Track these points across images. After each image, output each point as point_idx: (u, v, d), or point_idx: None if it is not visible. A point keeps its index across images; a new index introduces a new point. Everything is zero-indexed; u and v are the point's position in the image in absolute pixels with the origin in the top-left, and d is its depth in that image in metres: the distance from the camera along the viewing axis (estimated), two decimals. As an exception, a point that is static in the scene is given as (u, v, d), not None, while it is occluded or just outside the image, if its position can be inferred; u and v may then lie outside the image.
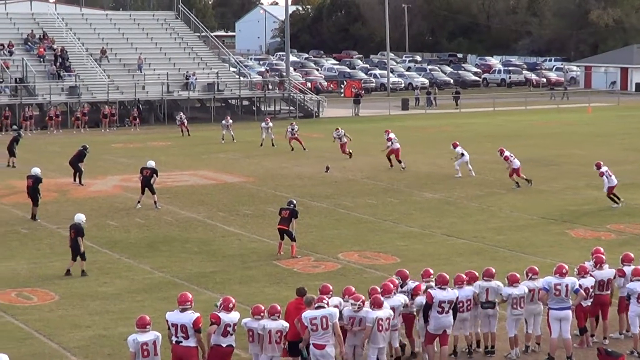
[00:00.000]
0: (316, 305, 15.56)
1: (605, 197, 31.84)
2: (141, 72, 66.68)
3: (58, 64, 64.56)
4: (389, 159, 40.60)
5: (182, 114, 57.65)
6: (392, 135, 41.37)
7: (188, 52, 71.96)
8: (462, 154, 38.18)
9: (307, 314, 15.46)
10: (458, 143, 39.05)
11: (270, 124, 49.72)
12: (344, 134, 44.18)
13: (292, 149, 46.19)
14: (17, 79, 62.41)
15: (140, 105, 64.04)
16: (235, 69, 74.01)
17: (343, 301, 16.31)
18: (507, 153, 36.06)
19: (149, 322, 14.75)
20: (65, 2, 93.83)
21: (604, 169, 31.89)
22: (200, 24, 76.96)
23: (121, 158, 44.31)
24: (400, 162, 40.22)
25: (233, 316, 15.36)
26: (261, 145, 48.05)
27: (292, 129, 47.33)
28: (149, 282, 22.77)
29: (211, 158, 44.91)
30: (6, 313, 20.18)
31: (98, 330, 18.94)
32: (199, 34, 75.89)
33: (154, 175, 31.68)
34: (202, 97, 67.45)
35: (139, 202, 31.87)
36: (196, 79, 66.42)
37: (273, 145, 48.34)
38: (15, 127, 58.70)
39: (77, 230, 23.35)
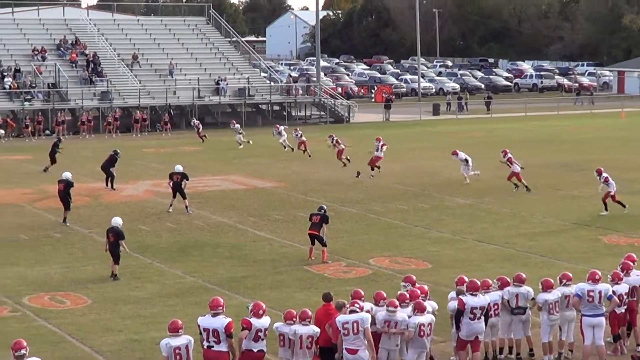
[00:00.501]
0: (349, 309, 15.54)
1: (625, 203, 31.50)
2: (172, 77, 66.97)
3: (90, 69, 64.95)
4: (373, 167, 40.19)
5: (195, 119, 57.90)
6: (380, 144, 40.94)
7: (219, 58, 72.18)
8: (466, 160, 37.92)
9: (340, 318, 15.45)
10: (458, 151, 38.70)
11: (281, 129, 49.74)
12: (337, 141, 43.51)
13: (310, 156, 46.01)
14: (50, 84, 62.84)
15: (172, 110, 64.28)
16: (265, 74, 74.14)
17: (375, 306, 16.28)
18: (510, 155, 36.00)
19: (181, 327, 14.77)
20: (97, 7, 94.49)
21: (605, 175, 31.62)
22: (231, 29, 77.19)
23: (152, 163, 44.49)
24: (373, 169, 39.92)
25: (264, 321, 15.36)
26: (293, 150, 48.01)
27: (297, 135, 47.49)
28: (180, 286, 22.83)
29: (242, 163, 44.97)
30: (39, 317, 20.31)
31: (130, 335, 19.01)
32: (229, 39, 76.11)
33: (184, 179, 31.79)
34: (233, 102, 67.60)
35: (170, 205, 31.99)
36: (227, 84, 66.61)
37: (285, 149, 48.40)
38: (47, 132, 59.13)
39: (116, 234, 23.49)
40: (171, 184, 31.94)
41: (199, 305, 19.72)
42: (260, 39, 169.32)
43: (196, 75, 67.16)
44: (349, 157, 42.88)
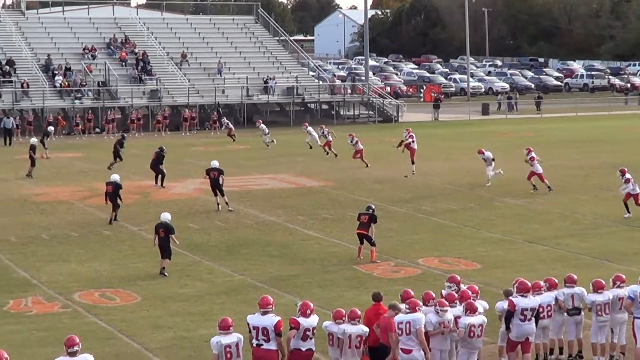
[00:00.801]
0: (408, 310, 15.49)
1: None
2: (221, 76, 67.24)
3: (139, 67, 65.42)
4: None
5: (225, 119, 58.03)
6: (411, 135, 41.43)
7: (267, 56, 72.34)
8: (492, 160, 37.51)
9: (397, 317, 15.42)
10: (484, 150, 38.21)
11: (310, 128, 49.58)
12: (357, 141, 43.18)
13: (336, 155, 45.64)
14: (100, 83, 63.37)
15: (220, 109, 64.52)
16: (314, 73, 74.17)
17: (424, 306, 16.17)
18: (533, 154, 35.62)
19: (231, 324, 14.78)
20: (146, 6, 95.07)
21: (628, 175, 31.17)
22: (280, 28, 77.35)
23: (201, 161, 44.53)
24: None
25: (311, 320, 15.32)
26: (327, 153, 47.37)
27: (324, 132, 47.27)
28: (229, 284, 22.86)
29: (290, 162, 45.03)
30: (90, 313, 20.44)
31: (179, 332, 19.06)
32: (278, 38, 76.26)
33: (221, 175, 31.71)
34: (281, 101, 67.71)
35: (218, 204, 32.04)
36: (275, 82, 66.75)
37: (310, 148, 48.25)
38: (97, 130, 59.63)
39: (166, 229, 23.58)
40: (208, 179, 31.88)
41: (248, 303, 19.71)
42: (309, 38, 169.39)
43: (245, 74, 67.36)
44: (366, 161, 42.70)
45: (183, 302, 21.19)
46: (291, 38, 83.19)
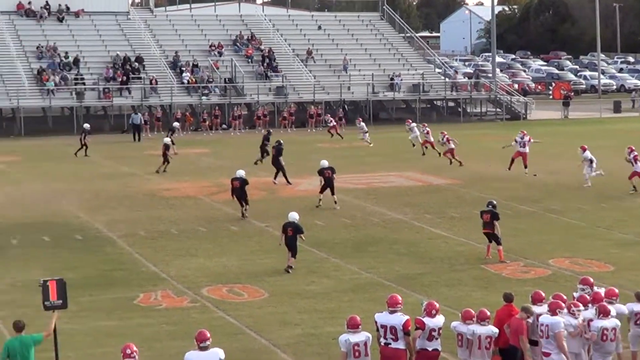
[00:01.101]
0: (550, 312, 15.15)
1: None
2: (346, 72, 67.26)
3: (265, 64, 65.94)
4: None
5: (329, 115, 57.90)
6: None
7: (393, 53, 72.08)
8: (591, 160, 36.28)
9: (541, 319, 15.10)
10: (586, 147, 36.98)
11: (413, 125, 48.95)
12: (447, 139, 42.45)
13: (440, 154, 44.42)
14: (227, 79, 64.08)
15: (346, 106, 64.56)
16: (440, 70, 73.59)
17: (533, 306, 15.76)
18: (635, 153, 34.36)
19: (360, 323, 14.67)
20: (272, 3, 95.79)
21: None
22: (405, 25, 76.95)
23: (327, 158, 44.58)
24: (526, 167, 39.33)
25: (437, 320, 15.13)
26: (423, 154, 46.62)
27: (424, 131, 46.42)
28: (356, 282, 22.74)
29: (415, 159, 44.71)
30: (218, 308, 20.58)
31: (307, 329, 19.02)
32: (403, 35, 75.91)
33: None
34: (407, 98, 67.40)
35: (319, 200, 31.93)
36: (401, 79, 66.47)
37: (414, 146, 47.76)
38: (224, 126, 60.31)
39: (295, 228, 23.65)
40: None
41: (375, 302, 19.56)
42: (434, 34, 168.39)
43: (370, 70, 67.24)
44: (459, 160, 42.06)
45: (310, 299, 21.15)
46: (417, 35, 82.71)
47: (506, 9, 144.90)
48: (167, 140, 41.87)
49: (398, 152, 47.48)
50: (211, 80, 63.61)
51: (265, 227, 29.08)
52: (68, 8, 68.04)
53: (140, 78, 62.32)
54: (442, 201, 33.41)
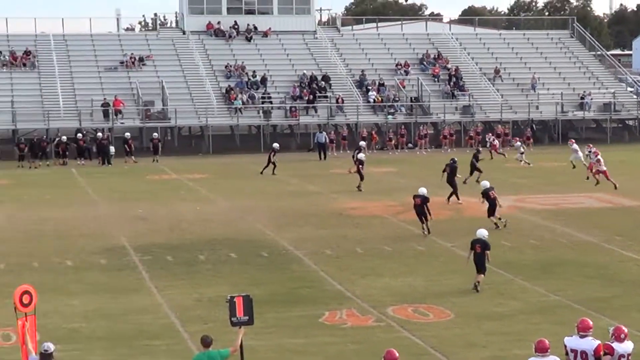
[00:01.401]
0: None
1: None
2: (535, 91, 66.24)
3: (452, 83, 65.66)
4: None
5: (490, 134, 56.76)
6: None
7: (583, 72, 70.56)
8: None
9: None
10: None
11: (576, 145, 47.21)
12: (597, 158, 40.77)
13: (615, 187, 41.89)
14: (413, 98, 64.11)
15: (534, 125, 63.51)
16: (632, 89, 71.54)
17: None
18: None
19: (549, 346, 14.32)
20: (459, 22, 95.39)
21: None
22: (596, 43, 75.24)
23: (512, 178, 44.10)
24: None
25: (626, 346, 14.59)
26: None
27: (589, 152, 43.51)
28: (544, 304, 22.25)
29: (604, 180, 43.07)
30: (403, 328, 20.49)
31: (494, 351, 18.70)
32: (594, 53, 74.19)
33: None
34: (597, 117, 65.79)
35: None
36: (592, 98, 64.93)
37: (573, 167, 46.20)
38: (410, 145, 60.32)
39: (483, 245, 23.48)
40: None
41: (564, 325, 19.06)
42: (626, 52, 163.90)
43: (559, 89, 66.04)
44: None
45: (497, 321, 20.82)
46: (608, 52, 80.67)
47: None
48: (361, 155, 42.27)
49: (584, 173, 46.19)
50: (397, 99, 63.82)
51: (451, 246, 28.86)
52: (256, 28, 69.67)
53: (326, 97, 63.12)
54: (633, 223, 32.38)
